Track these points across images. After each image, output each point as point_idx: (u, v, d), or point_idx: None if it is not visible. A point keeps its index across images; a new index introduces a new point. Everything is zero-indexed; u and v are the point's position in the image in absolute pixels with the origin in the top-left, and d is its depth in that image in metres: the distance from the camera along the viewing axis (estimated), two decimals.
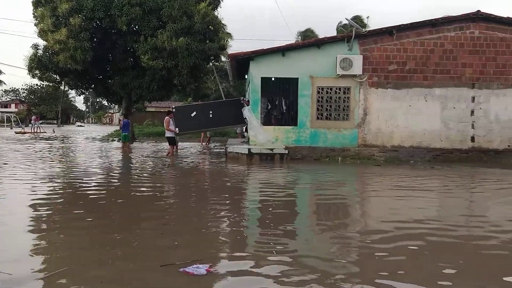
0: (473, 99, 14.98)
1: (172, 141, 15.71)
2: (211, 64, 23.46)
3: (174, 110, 15.59)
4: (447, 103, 14.97)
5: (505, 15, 14.98)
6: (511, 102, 14.95)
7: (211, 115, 15.31)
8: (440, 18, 15.01)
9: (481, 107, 15.00)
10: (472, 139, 15.07)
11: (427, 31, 14.93)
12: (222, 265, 4.08)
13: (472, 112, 15.03)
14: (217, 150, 19.84)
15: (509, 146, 14.98)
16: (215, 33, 19.96)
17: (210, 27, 19.67)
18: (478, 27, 14.94)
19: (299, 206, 7.64)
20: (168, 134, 15.81)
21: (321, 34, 32.91)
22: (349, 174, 12.00)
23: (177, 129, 15.25)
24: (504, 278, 3.82)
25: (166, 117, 15.76)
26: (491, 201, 8.09)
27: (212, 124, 15.87)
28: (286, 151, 14.30)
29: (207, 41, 19.57)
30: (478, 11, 14.80)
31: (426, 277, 3.79)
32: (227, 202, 7.23)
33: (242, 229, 5.49)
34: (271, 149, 14.11)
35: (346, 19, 16.45)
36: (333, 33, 30.89)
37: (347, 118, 15.19)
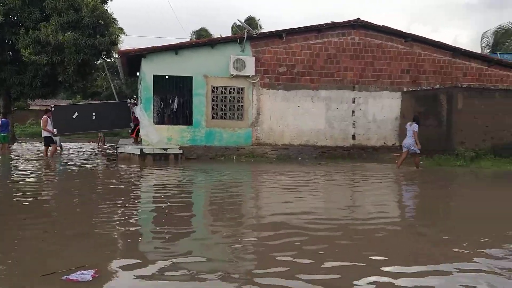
0: (353, 100, 16.29)
1: (49, 142, 14.73)
2: (101, 60, 22.40)
3: (53, 109, 14.67)
4: (331, 104, 16.10)
5: (381, 24, 16.52)
6: (386, 104, 16.54)
7: (93, 117, 14.65)
8: (325, 24, 16.06)
9: (361, 108, 16.38)
10: (353, 137, 16.39)
11: (313, 36, 15.90)
12: (109, 270, 3.99)
13: (353, 112, 16.34)
14: (109, 150, 19.05)
15: (384, 143, 16.57)
16: (106, 27, 19.08)
17: (100, 21, 18.76)
18: (358, 33, 16.26)
19: (193, 207, 7.68)
20: (45, 134, 14.79)
21: (216, 34, 33.21)
22: (243, 173, 12.33)
23: (55, 129, 14.38)
24: (375, 258, 4.28)
25: (44, 116, 14.78)
26: (370, 194, 8.90)
27: (95, 126, 15.20)
28: (181, 151, 14.24)
29: (98, 36, 18.66)
30: (358, 18, 16.11)
31: (307, 273, 4.09)
32: (116, 206, 7.00)
33: (131, 233, 5.38)
34: (165, 149, 13.95)
35: (238, 20, 16.81)
36: (228, 33, 31.38)
37: (241, 118, 15.58)
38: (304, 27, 15.79)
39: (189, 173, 11.74)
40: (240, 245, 4.84)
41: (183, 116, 15.97)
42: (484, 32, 28.18)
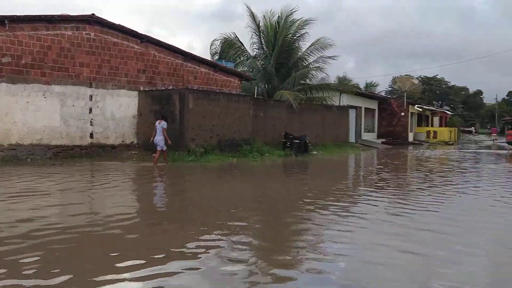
0: (91, 97, 15.85)
1: None
2: None
3: None
4: (67, 101, 15.25)
5: (117, 22, 16.57)
6: (124, 102, 16.71)
7: None
8: (57, 15, 15.05)
9: (99, 105, 16.08)
10: (91, 135, 15.96)
11: (43, 27, 14.70)
12: None
13: (91, 110, 15.90)
14: None
15: (123, 141, 16.74)
16: None
17: None
18: (93, 29, 15.88)
19: None
20: None
21: None
22: None
23: None
24: (117, 265, 4.42)
25: None
26: (107, 194, 8.93)
27: None
28: None
29: None
30: (93, 14, 15.72)
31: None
32: None
33: None
34: None
35: None
36: None
37: None
38: (32, 15, 14.42)
39: None
40: None
41: None
42: (213, 40, 31.52)
